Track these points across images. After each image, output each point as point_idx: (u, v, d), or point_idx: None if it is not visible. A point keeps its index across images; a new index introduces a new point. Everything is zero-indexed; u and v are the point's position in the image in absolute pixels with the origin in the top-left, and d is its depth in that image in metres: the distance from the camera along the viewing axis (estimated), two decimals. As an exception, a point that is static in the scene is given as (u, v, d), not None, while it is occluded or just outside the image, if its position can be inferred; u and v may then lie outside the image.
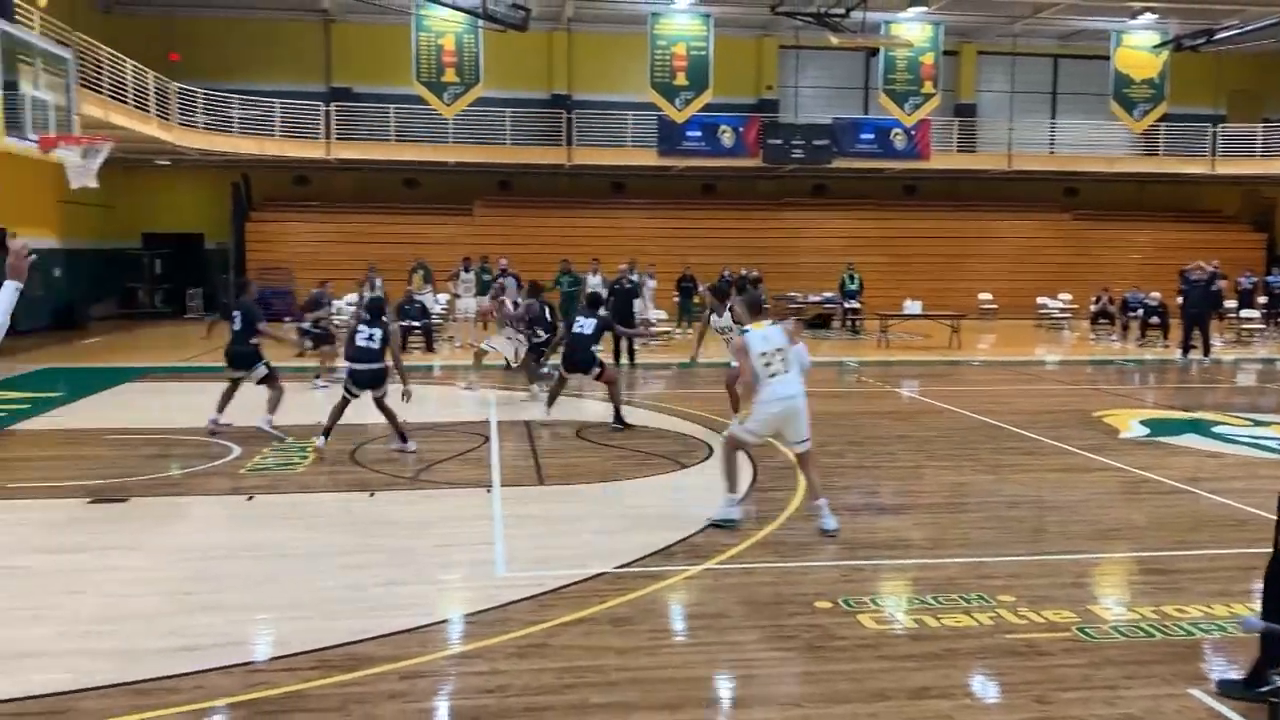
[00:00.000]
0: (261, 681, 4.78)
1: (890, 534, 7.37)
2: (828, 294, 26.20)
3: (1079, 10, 27.31)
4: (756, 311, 7.78)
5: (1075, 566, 6.67)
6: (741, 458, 9.77)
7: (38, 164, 16.30)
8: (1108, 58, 28.03)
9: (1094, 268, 28.75)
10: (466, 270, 21.34)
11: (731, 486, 7.56)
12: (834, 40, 24.45)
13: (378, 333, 9.96)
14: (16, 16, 12.77)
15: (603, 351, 12.14)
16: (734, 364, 10.81)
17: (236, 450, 10.16)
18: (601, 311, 12.09)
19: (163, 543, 7.13)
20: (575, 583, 6.15)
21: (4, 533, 7.36)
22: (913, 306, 22.83)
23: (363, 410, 10.42)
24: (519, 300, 14.78)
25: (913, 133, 28.43)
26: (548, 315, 14.19)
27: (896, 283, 27.22)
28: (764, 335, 7.46)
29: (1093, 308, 24.54)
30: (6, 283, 4.46)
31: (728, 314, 12.06)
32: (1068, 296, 27.27)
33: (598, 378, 11.79)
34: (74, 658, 5.07)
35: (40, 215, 23.67)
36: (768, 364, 7.36)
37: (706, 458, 10.06)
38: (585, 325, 11.75)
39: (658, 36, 25.98)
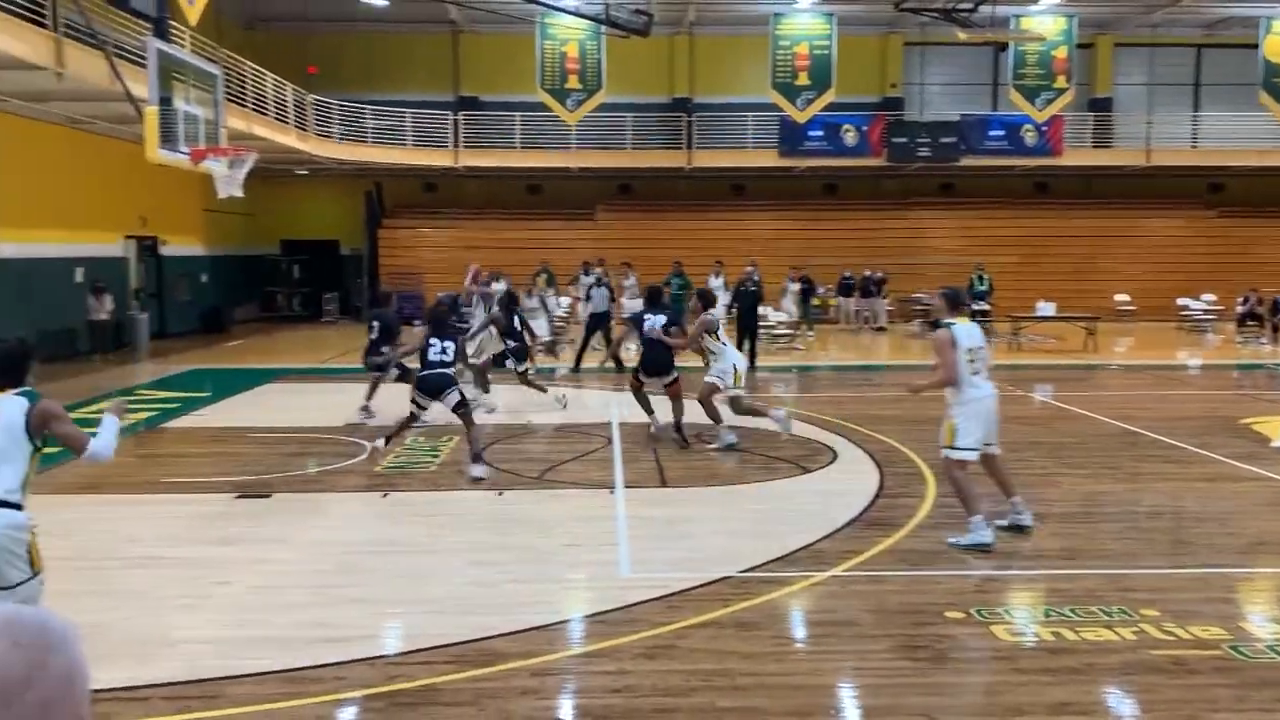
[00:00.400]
0: (399, 674, 4.95)
1: (1024, 543, 7.16)
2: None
3: (1224, -3, 26.05)
4: (956, 307, 7.42)
5: (1224, 581, 6.36)
6: (864, 463, 9.64)
7: (185, 175, 17.20)
8: (1256, 46, 26.57)
9: (1241, 267, 27.29)
10: (587, 274, 21.60)
11: (972, 507, 6.96)
12: (961, 36, 23.83)
13: (450, 345, 9.57)
14: (170, 36, 13.50)
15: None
16: (709, 378, 10.54)
17: (370, 448, 10.52)
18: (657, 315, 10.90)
19: (305, 537, 7.44)
20: (700, 585, 6.17)
21: (159, 525, 7.79)
22: (1046, 308, 22.10)
23: (484, 411, 10.65)
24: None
25: (1044, 129, 27.52)
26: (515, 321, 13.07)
27: (1028, 283, 26.38)
28: (967, 331, 7.17)
29: (1239, 309, 23.31)
30: (109, 417, 4.72)
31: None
32: (1211, 297, 25.97)
33: (669, 385, 10.77)
34: (225, 645, 5.34)
35: (188, 224, 24.97)
36: (971, 360, 7.09)
37: (830, 462, 9.94)
38: (654, 321, 10.78)
39: (780, 37, 25.81)
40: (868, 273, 25.86)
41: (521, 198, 30.20)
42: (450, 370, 9.57)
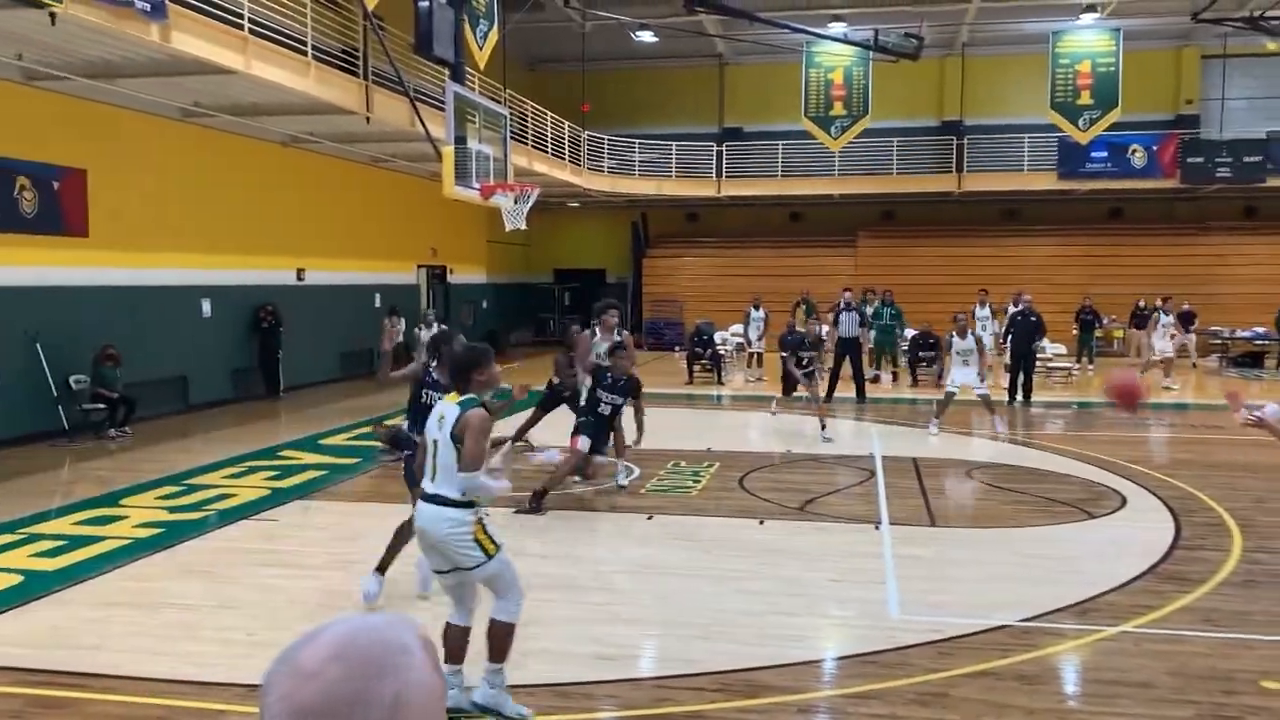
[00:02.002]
0: (667, 698, 5.01)
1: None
2: (1260, 329, 23.21)
3: None
4: None
5: None
6: (1157, 511, 8.93)
7: (471, 209, 18.44)
8: None
9: None
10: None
11: None
12: (1270, 46, 21.72)
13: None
14: (464, 80, 14.56)
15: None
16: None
17: (636, 471, 10.79)
18: None
19: (577, 553, 7.73)
20: (976, 633, 5.87)
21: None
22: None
23: (748, 436, 10.65)
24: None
25: (1372, 144, 24.56)
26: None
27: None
28: None
29: None
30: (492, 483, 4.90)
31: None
32: None
33: None
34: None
35: (472, 254, 26.76)
36: None
37: (1118, 508, 9.24)
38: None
39: (1059, 55, 24.50)
40: (1186, 306, 23.31)
41: (782, 225, 30.20)
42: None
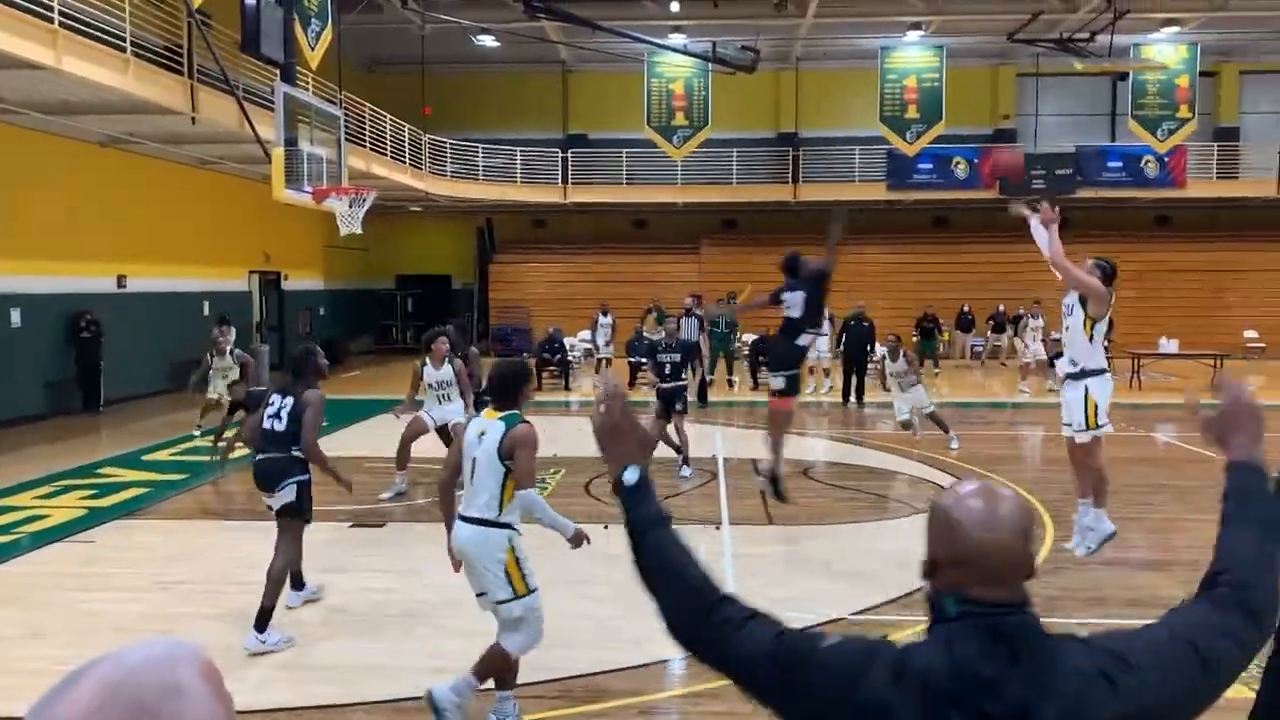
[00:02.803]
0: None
1: (1149, 590, 6.85)
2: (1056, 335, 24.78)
3: (1362, 20, 24.83)
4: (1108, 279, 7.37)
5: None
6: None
7: (306, 213, 17.86)
8: (1399, 70, 25.31)
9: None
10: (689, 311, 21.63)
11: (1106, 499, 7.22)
12: (1078, 66, 23.28)
13: (289, 403, 6.47)
14: (295, 80, 14.10)
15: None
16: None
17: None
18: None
19: (414, 566, 7.57)
20: (810, 627, 6.04)
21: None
22: (1168, 345, 21.26)
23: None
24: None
25: (1166, 160, 26.61)
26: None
27: (1148, 319, 25.43)
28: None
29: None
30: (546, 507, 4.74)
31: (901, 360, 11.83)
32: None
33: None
34: (335, 671, 5.45)
35: (308, 260, 25.92)
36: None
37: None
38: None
39: (888, 70, 25.61)
40: (1023, 310, 24.24)
41: (628, 232, 30.47)
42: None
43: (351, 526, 8.79)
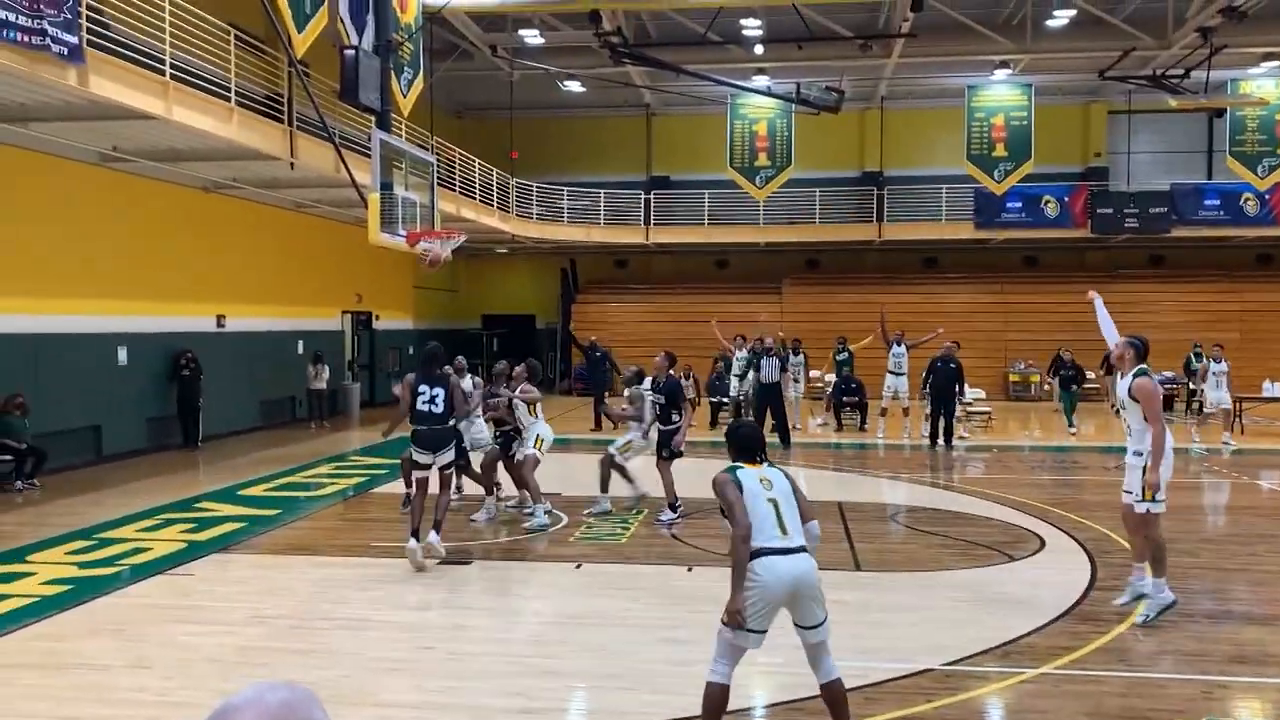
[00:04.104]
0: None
1: (1257, 647, 6.55)
2: (1168, 373, 24.03)
3: None
4: (1145, 355, 7.51)
5: None
6: (1074, 553, 9.14)
7: (397, 254, 18.29)
8: None
9: None
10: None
11: (1165, 568, 7.19)
12: (1172, 103, 22.71)
13: (440, 393, 8.81)
14: (390, 127, 14.53)
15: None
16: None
17: (564, 519, 10.72)
18: None
19: (503, 605, 7.63)
20: (901, 677, 5.93)
21: (367, 588, 8.16)
22: (1272, 389, 20.44)
23: (680, 482, 10.67)
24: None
25: (1267, 197, 25.76)
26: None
27: (1251, 361, 24.49)
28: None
29: None
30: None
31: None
32: None
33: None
34: (428, 711, 5.50)
35: (398, 300, 26.54)
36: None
37: (1036, 551, 9.43)
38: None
39: (975, 109, 25.35)
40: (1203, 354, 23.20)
41: (709, 272, 30.55)
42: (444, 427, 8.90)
43: (441, 563, 8.88)
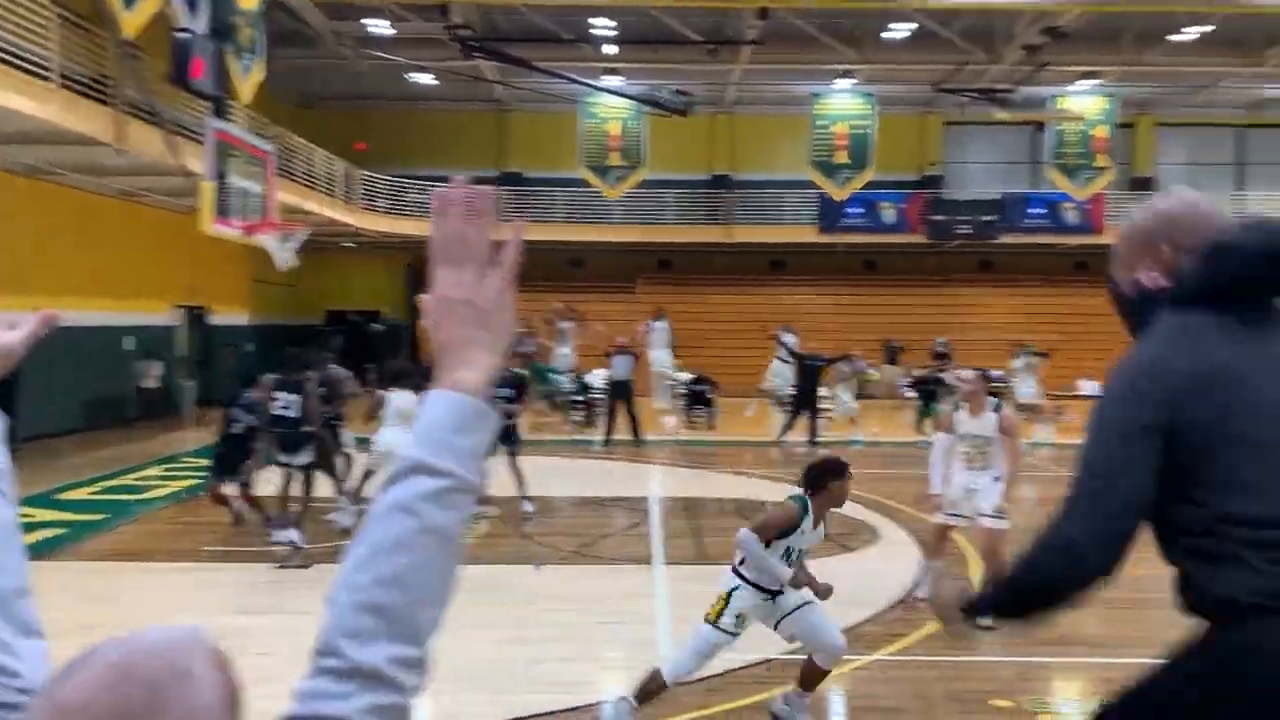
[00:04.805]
0: (435, 753, 4.89)
1: (1068, 628, 6.97)
2: (997, 371, 25.35)
3: (1267, 78, 26.01)
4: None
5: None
6: (906, 544, 9.54)
7: (233, 247, 17.62)
8: (1300, 126, 26.56)
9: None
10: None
11: None
12: (1001, 115, 24.05)
13: (295, 399, 9.10)
14: (227, 114, 13.97)
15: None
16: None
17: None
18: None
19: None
20: (742, 667, 6.06)
21: (200, 594, 7.82)
22: (1089, 387, 21.84)
23: (533, 483, 10.63)
24: None
25: (1085, 207, 27.50)
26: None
27: (1069, 361, 26.10)
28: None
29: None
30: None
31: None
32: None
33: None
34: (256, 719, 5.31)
35: (235, 294, 25.49)
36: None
37: (871, 542, 9.81)
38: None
39: (818, 116, 26.15)
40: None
41: (563, 271, 30.51)
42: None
43: (278, 568, 8.60)
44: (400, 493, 1.18)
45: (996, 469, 7.24)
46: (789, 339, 18.67)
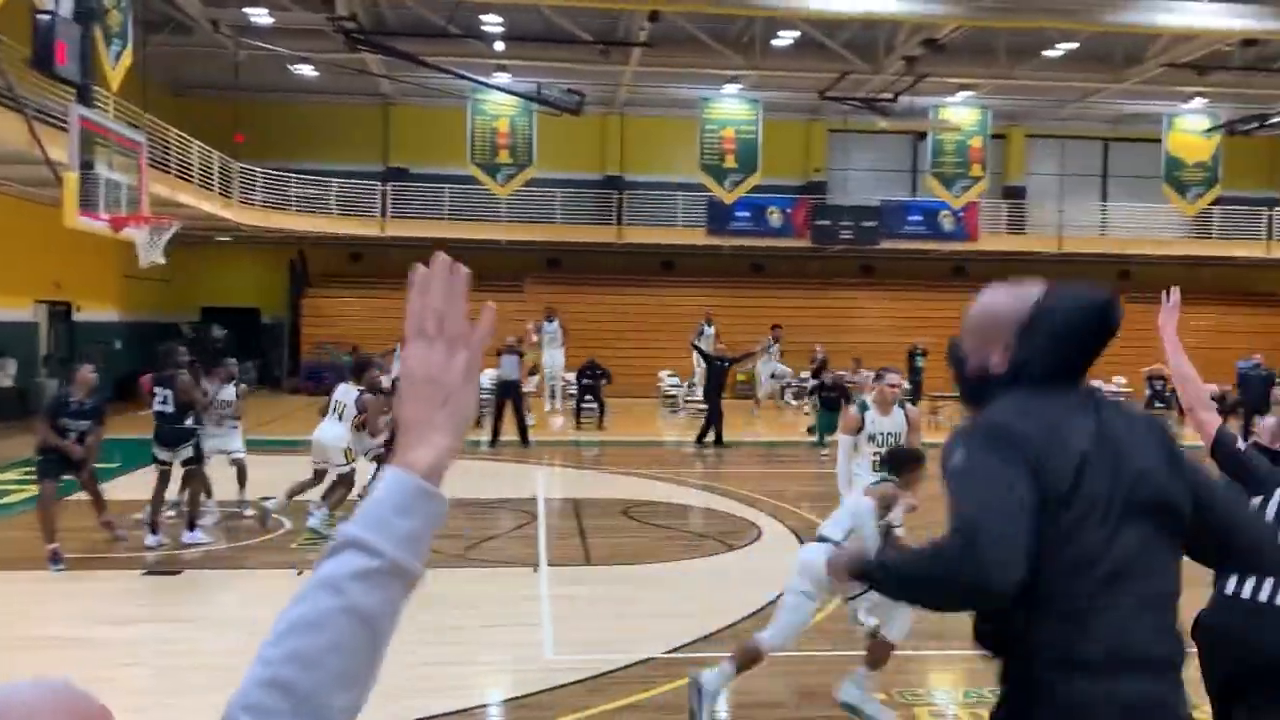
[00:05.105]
0: (310, 762, 4.76)
1: (939, 623, 7.19)
2: (867, 372, 26.06)
3: (1129, 94, 27.36)
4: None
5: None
6: (788, 539, 9.70)
7: (102, 241, 16.77)
8: (1159, 141, 27.99)
9: (1149, 351, 28.27)
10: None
11: None
12: (882, 124, 24.73)
13: (169, 394, 9.27)
14: (93, 102, 13.33)
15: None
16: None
17: (287, 524, 10.23)
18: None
19: (214, 616, 7.18)
20: (624, 667, 6.08)
21: (63, 603, 7.46)
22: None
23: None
24: None
25: (961, 215, 28.47)
26: None
27: (944, 364, 26.97)
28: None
29: (1148, 391, 24.09)
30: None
31: None
32: (1122, 380, 26.85)
33: None
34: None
35: (104, 290, 24.38)
36: None
37: (755, 539, 9.96)
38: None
39: (707, 120, 26.43)
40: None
41: (450, 269, 30.11)
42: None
43: (145, 574, 8.25)
44: (330, 568, 1.14)
45: None
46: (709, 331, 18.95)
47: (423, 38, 22.19)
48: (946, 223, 28.69)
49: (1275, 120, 24.91)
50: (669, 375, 23.94)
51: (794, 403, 18.77)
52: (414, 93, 27.08)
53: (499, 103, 25.29)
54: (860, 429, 7.45)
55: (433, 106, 27.76)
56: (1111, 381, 26.78)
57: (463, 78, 22.76)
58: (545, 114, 24.31)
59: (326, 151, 28.71)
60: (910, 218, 28.95)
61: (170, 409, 9.13)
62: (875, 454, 7.35)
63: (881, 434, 7.42)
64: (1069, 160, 32.25)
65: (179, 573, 8.34)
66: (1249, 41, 21.47)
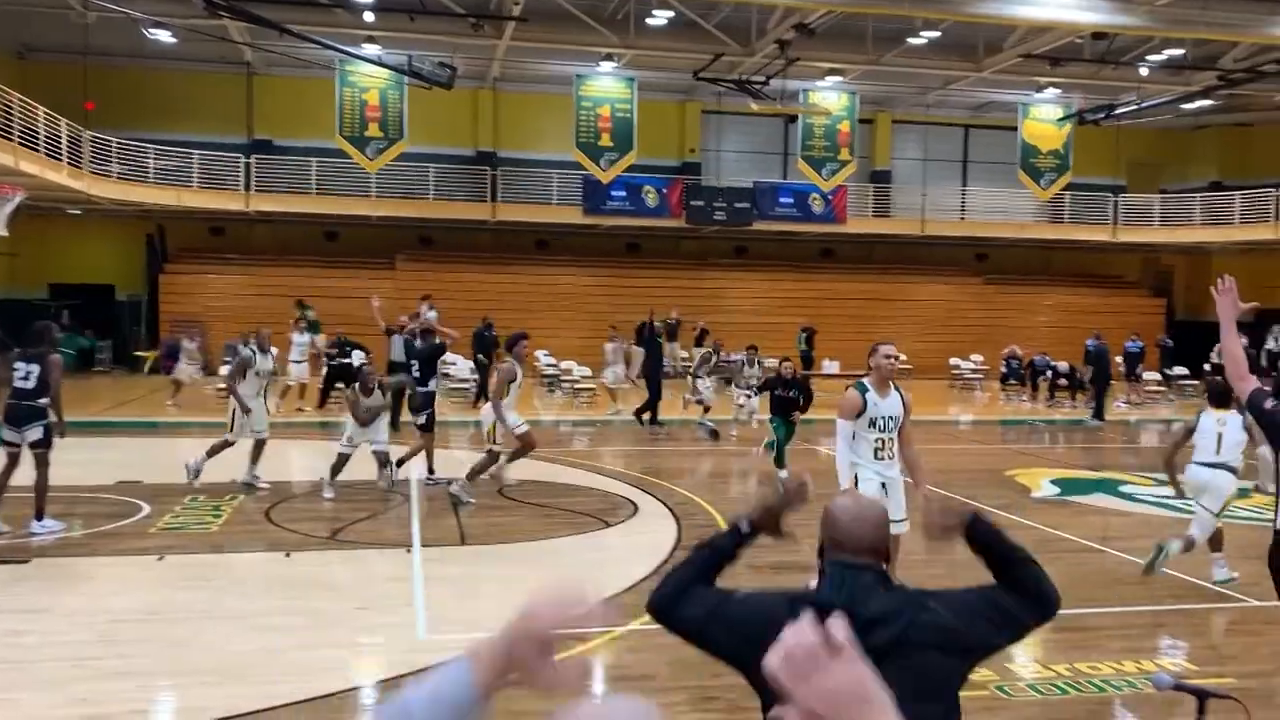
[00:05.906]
0: (172, 752, 4.61)
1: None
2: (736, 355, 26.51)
3: (988, 83, 28.47)
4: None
5: (992, 624, 6.78)
6: (663, 516, 9.83)
7: (-59, 211, 15.80)
8: (1016, 129, 29.20)
9: (1004, 330, 29.65)
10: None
11: None
12: (754, 106, 25.06)
13: (35, 369, 8.80)
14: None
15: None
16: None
17: (146, 508, 9.83)
18: None
19: (68, 605, 6.86)
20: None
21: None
22: (831, 366, 23.25)
23: (282, 468, 10.18)
24: None
25: (829, 198, 29.15)
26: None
27: (817, 344, 27.68)
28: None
29: (1003, 369, 25.17)
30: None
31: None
32: (979, 358, 28.03)
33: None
34: (-31, 730, 4.83)
35: (-59, 263, 22.86)
36: None
37: (631, 515, 10.05)
38: None
39: (582, 98, 26.32)
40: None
41: (318, 245, 29.29)
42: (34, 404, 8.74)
43: (-12, 564, 7.81)
44: None
45: (897, 460, 6.77)
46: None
47: (288, 4, 21.45)
48: (816, 205, 29.35)
49: (1121, 110, 26.26)
50: (545, 356, 23.80)
51: (743, 404, 17.81)
52: (280, 62, 26.12)
53: (369, 75, 24.64)
54: (861, 412, 6.65)
55: (300, 77, 26.86)
56: (969, 359, 27.96)
57: (330, 48, 22.06)
58: (416, 87, 23.79)
59: (187, 122, 27.48)
60: (782, 199, 29.50)
61: (30, 385, 8.75)
62: (878, 440, 6.67)
63: (883, 418, 6.68)
64: (932, 146, 33.37)
65: (27, 562, 7.93)
66: (1099, 35, 22.57)
